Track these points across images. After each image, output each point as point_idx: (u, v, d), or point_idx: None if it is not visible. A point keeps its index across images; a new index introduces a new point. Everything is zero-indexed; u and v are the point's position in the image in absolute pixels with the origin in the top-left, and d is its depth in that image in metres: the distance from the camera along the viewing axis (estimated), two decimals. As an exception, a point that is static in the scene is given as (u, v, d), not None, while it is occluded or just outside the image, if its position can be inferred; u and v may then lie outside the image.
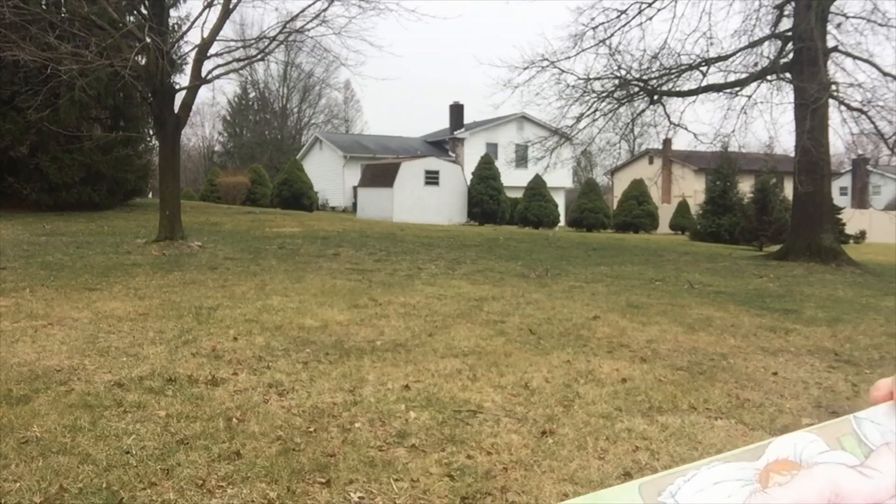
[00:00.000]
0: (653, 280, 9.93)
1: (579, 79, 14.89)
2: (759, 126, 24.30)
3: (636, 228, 29.05)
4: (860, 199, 39.70)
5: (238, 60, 13.88)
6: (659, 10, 14.56)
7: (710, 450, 3.33)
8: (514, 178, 27.25)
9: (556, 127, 15.97)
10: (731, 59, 14.44)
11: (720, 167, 24.82)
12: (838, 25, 13.84)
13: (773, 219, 19.92)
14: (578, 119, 15.25)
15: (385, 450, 3.22)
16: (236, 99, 49.46)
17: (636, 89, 14.90)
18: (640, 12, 14.56)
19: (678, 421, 3.78)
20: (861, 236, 28.24)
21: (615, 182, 40.34)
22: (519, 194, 28.72)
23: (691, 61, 14.39)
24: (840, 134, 14.60)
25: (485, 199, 27.41)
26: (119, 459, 2.98)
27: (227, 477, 2.86)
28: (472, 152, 33.48)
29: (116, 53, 10.65)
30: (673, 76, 14.68)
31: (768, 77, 14.27)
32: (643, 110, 15.70)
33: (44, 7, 12.40)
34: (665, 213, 30.77)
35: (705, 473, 0.54)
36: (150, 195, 25.39)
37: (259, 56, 13.49)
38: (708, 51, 14.51)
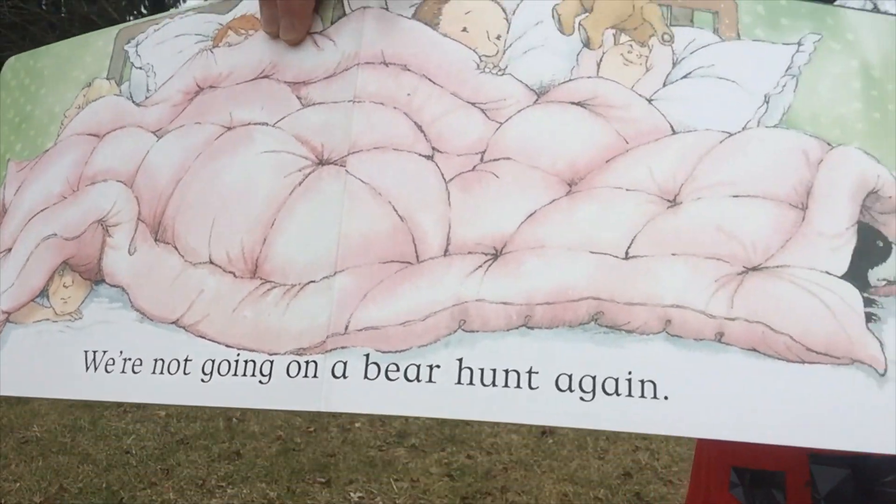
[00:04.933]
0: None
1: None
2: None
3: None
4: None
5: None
6: (659, 10, 14.58)
7: (710, 450, 3.33)
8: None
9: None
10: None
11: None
12: (838, 25, 13.86)
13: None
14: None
15: (385, 450, 3.22)
16: (236, 99, 49.55)
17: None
18: (639, 12, 14.59)
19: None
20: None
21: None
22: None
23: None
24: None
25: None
26: (119, 459, 2.98)
27: (227, 477, 2.86)
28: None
29: (116, 53, 10.63)
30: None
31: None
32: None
33: (44, 7, 12.41)
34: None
35: (175, 23, 0.46)
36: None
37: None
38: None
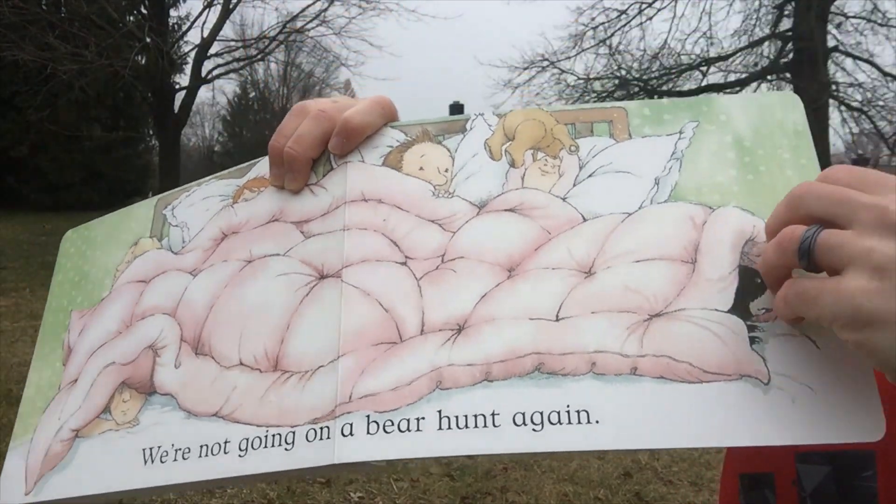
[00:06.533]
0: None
1: (579, 79, 14.85)
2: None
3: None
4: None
5: (238, 60, 13.90)
6: (659, 10, 14.53)
7: (711, 449, 3.33)
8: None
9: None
10: (731, 59, 14.41)
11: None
12: (838, 25, 13.83)
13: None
14: (578, 119, 15.14)
15: (385, 450, 3.22)
16: (236, 99, 49.27)
17: (636, 89, 14.87)
18: (640, 12, 14.55)
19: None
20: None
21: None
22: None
23: (691, 61, 14.36)
24: (840, 134, 14.53)
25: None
26: (119, 459, 2.98)
27: (226, 477, 2.86)
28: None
29: (116, 53, 10.64)
30: (673, 76, 14.64)
31: (768, 77, 14.26)
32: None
33: (44, 7, 12.39)
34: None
35: (202, 189, 0.59)
36: (150, 195, 25.34)
37: (259, 56, 13.51)
38: (708, 51, 14.48)
